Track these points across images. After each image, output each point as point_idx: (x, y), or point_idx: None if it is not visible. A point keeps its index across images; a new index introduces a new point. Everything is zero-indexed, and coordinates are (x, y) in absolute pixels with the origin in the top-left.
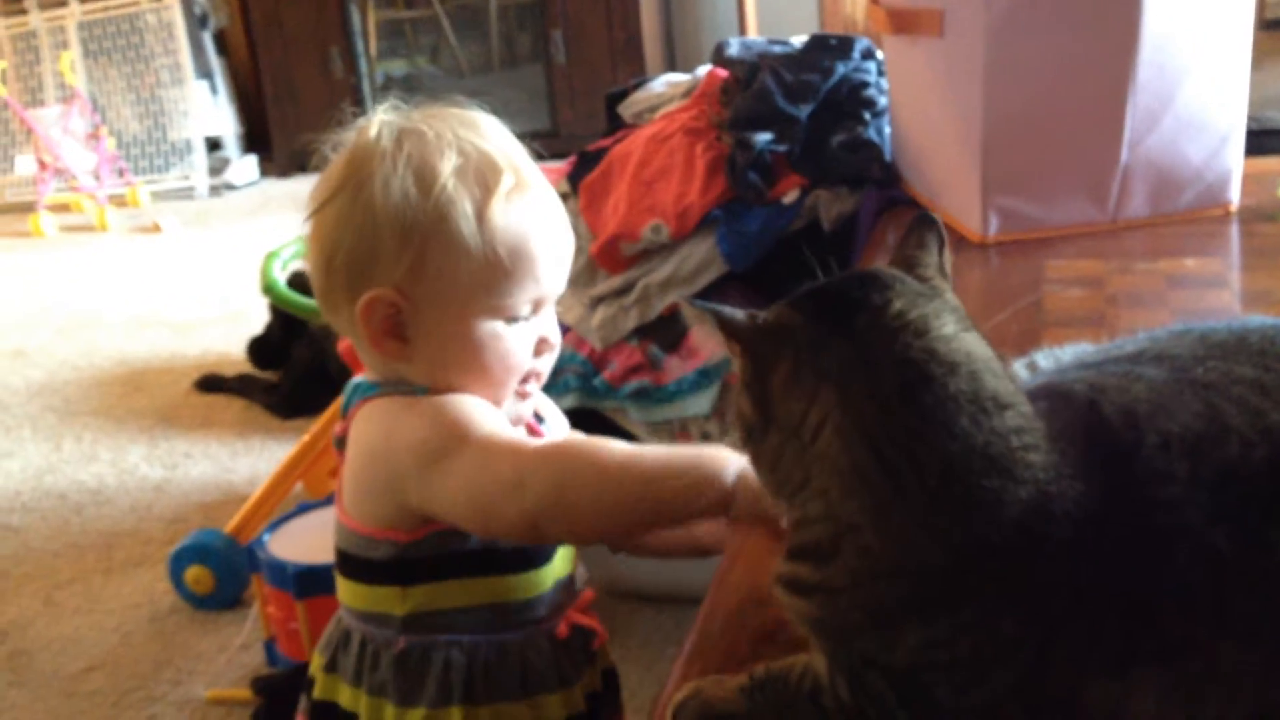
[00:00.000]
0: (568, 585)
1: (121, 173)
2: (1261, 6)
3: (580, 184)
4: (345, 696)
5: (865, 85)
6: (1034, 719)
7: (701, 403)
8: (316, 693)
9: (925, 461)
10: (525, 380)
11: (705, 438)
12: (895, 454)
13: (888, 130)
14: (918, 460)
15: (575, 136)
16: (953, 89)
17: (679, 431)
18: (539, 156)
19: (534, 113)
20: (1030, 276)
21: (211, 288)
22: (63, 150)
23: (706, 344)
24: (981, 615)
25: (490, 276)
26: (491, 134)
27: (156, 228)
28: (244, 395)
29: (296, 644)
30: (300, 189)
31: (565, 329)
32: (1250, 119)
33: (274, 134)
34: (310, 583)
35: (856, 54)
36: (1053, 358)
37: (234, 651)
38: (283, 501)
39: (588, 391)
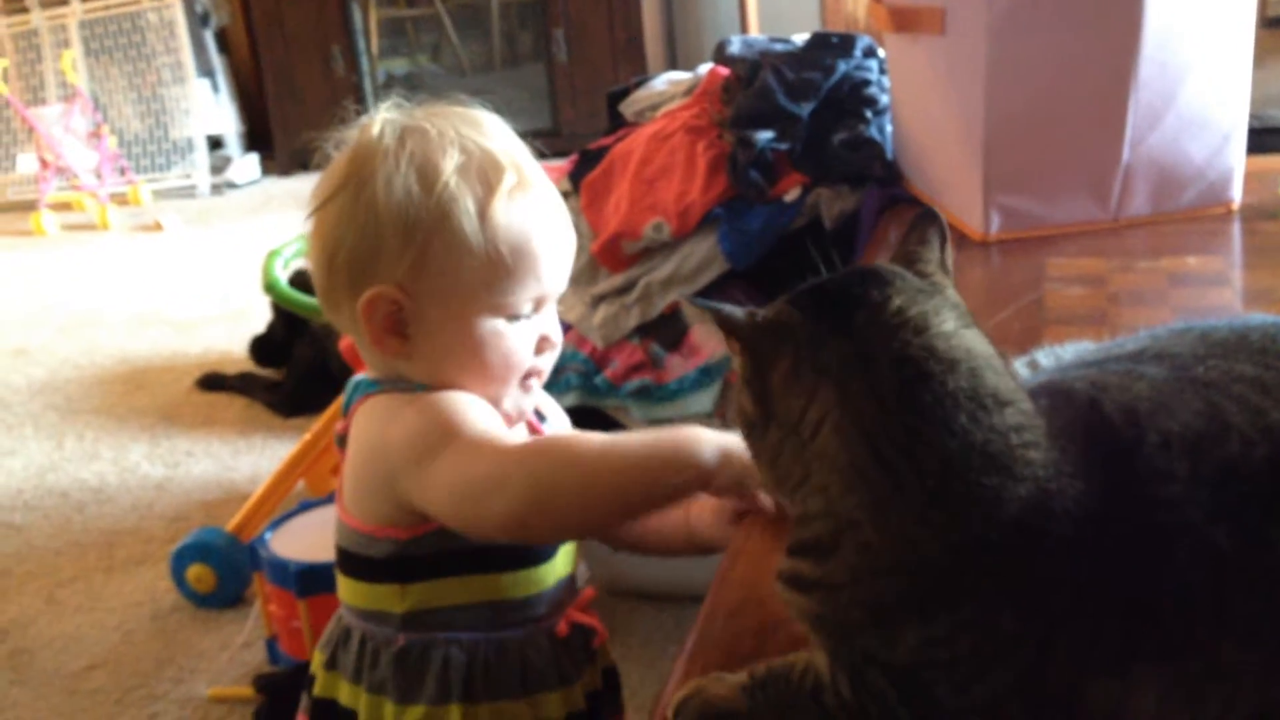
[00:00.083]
0: (569, 583)
1: (123, 171)
2: (1263, 4)
3: (582, 182)
4: (345, 694)
5: (867, 83)
6: (1035, 717)
7: (703, 401)
8: (316, 690)
9: (924, 459)
10: (526, 378)
11: None
12: (894, 451)
13: (889, 128)
14: (917, 457)
15: (577, 135)
16: (954, 87)
17: None
18: (540, 155)
19: (535, 111)
20: (1032, 274)
21: (213, 286)
22: (64, 149)
23: (708, 342)
24: (981, 613)
25: (492, 274)
26: (494, 132)
27: (158, 226)
28: (245, 394)
29: (298, 642)
30: (302, 187)
31: (567, 327)
32: (1252, 117)
33: (275, 132)
34: (312, 581)
35: (858, 52)
36: (1054, 356)
37: (236, 650)
38: (284, 500)
39: (589, 390)
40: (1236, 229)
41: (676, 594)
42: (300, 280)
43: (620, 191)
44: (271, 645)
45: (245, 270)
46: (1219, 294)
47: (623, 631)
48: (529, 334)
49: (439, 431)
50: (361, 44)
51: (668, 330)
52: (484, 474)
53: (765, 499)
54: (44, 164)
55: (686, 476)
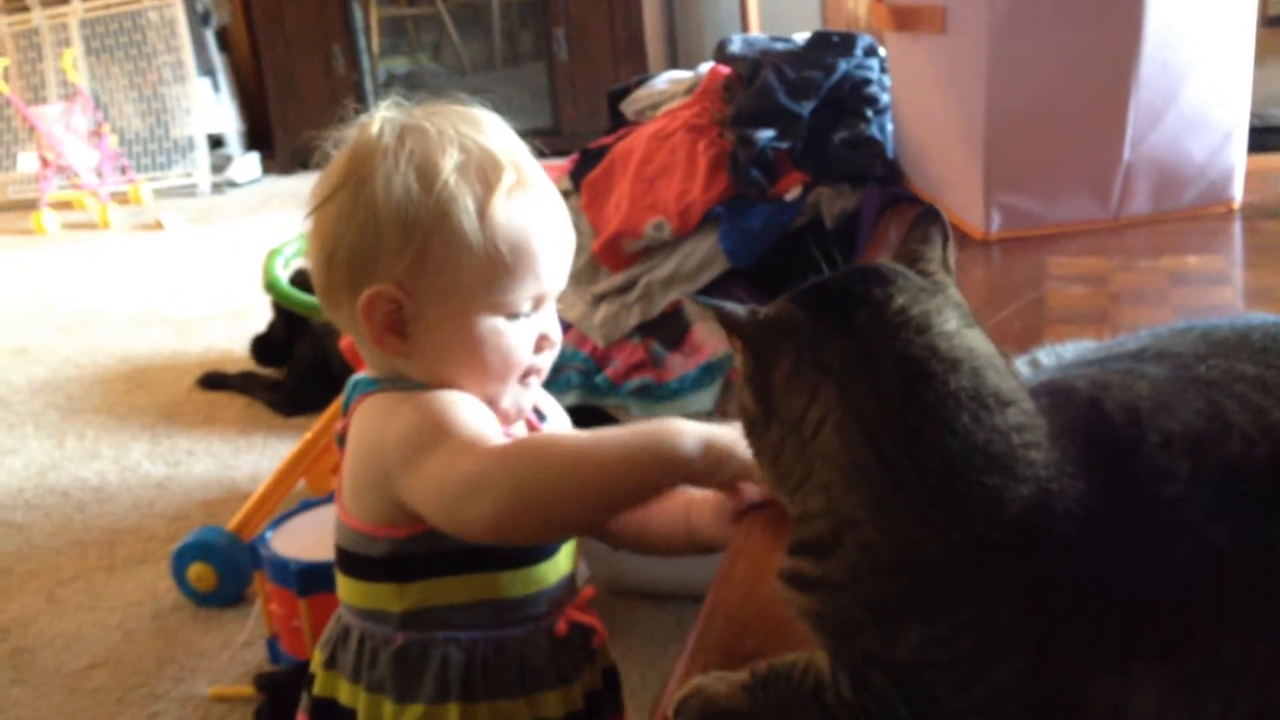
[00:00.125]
0: (568, 582)
1: (124, 170)
2: (1264, 3)
3: (582, 181)
4: (345, 693)
5: (868, 82)
6: (1036, 717)
7: (704, 400)
8: (316, 689)
9: (926, 458)
10: (525, 376)
11: None
12: (895, 451)
13: (890, 127)
14: (918, 457)
15: (577, 134)
16: (955, 86)
17: None
18: (539, 154)
19: (536, 110)
20: (1032, 273)
21: (214, 285)
22: (65, 147)
23: (709, 341)
24: (981, 613)
25: (491, 273)
26: (493, 131)
27: (159, 225)
28: (246, 393)
29: (299, 641)
30: (303, 186)
31: (567, 326)
32: (1253, 116)
33: (276, 131)
34: (313, 580)
35: (859, 51)
36: (1055, 355)
37: (236, 649)
38: (285, 499)
39: (590, 389)
40: (1237, 228)
41: (677, 593)
42: (301, 279)
43: (621, 190)
44: (272, 644)
45: (246, 269)
46: (1220, 293)
47: (623, 631)
48: (528, 332)
49: (431, 431)
50: (362, 43)
51: (669, 329)
52: (466, 475)
53: (750, 489)
54: (45, 163)
55: (668, 469)
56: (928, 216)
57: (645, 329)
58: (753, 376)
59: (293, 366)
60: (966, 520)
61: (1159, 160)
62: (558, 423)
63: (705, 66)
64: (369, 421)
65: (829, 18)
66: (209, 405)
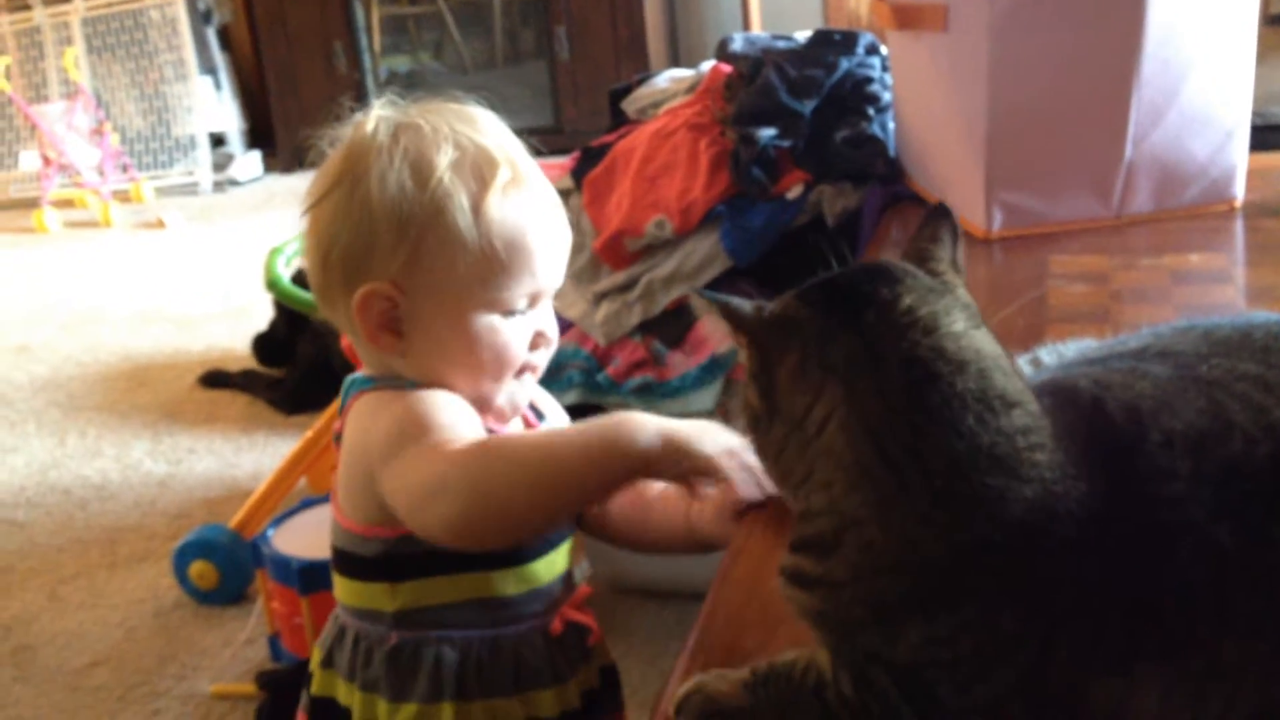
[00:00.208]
0: (565, 581)
1: (125, 168)
2: (1266, 1)
3: (584, 180)
4: (342, 692)
5: (869, 81)
6: (1037, 716)
7: (705, 398)
8: (314, 688)
9: (930, 459)
10: (520, 373)
11: None
12: (899, 451)
13: (892, 126)
14: (922, 458)
15: (579, 132)
16: (957, 84)
17: None
18: (537, 152)
19: (538, 109)
20: (1034, 272)
21: (215, 283)
22: (67, 146)
23: (713, 337)
24: (982, 613)
25: (486, 270)
26: (488, 128)
27: (160, 223)
28: (248, 391)
29: (301, 639)
30: (304, 185)
31: (569, 325)
32: (1255, 114)
33: (278, 130)
34: (314, 578)
35: (860, 49)
36: (1056, 353)
37: (238, 647)
38: (287, 497)
39: (591, 387)
40: (1239, 226)
41: (679, 591)
42: (302, 278)
43: (622, 189)
44: (274, 642)
45: (247, 267)
46: (1222, 291)
47: (625, 629)
48: (524, 330)
49: (407, 433)
50: (364, 41)
51: (670, 327)
52: (425, 479)
53: (710, 488)
54: (46, 161)
55: (624, 464)
56: (938, 215)
57: (646, 327)
58: (757, 373)
59: (294, 365)
60: (969, 521)
61: (1161, 158)
62: (556, 421)
63: (707, 65)
64: (359, 421)
65: (831, 16)
66: (210, 403)
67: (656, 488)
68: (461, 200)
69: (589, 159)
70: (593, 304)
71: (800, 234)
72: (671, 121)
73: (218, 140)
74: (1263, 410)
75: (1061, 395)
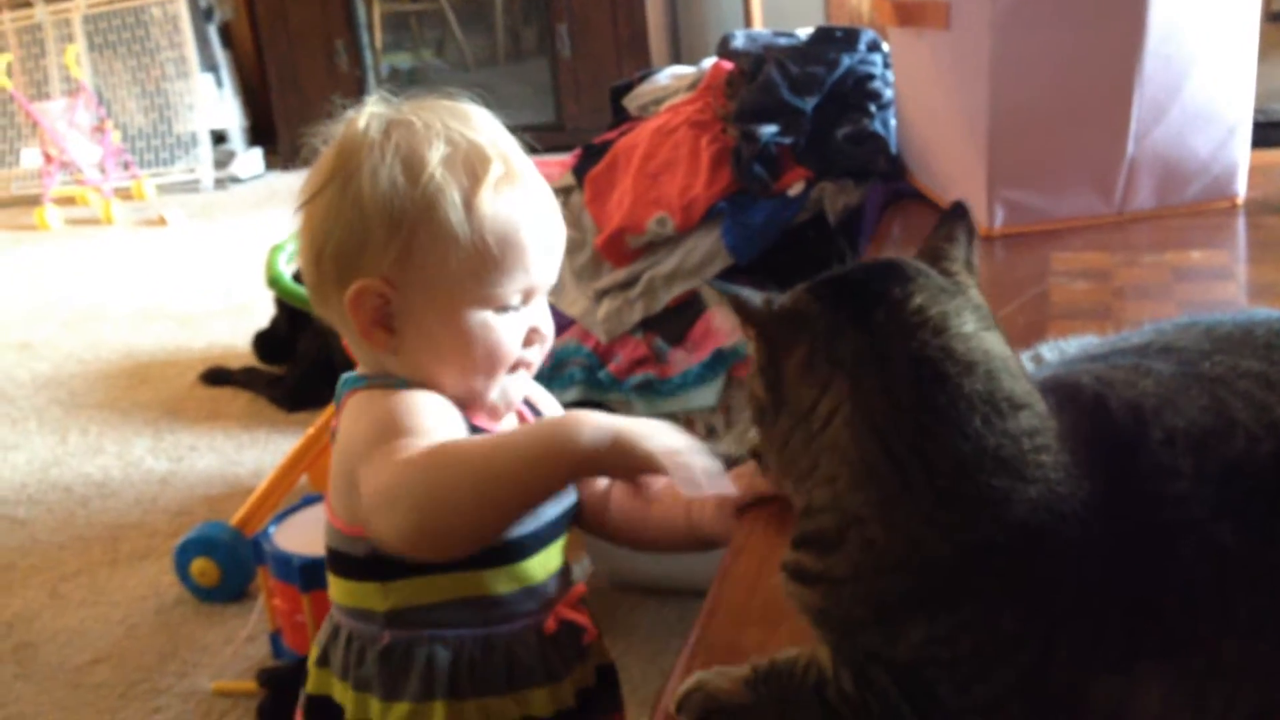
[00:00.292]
0: (560, 579)
1: (127, 166)
2: None
3: (585, 177)
4: (338, 690)
5: (871, 78)
6: (1038, 716)
7: (707, 395)
8: (309, 687)
9: (935, 459)
10: (514, 369)
11: (711, 431)
12: (904, 450)
13: (893, 123)
14: (927, 457)
15: (580, 130)
16: (958, 81)
17: (685, 425)
18: (531, 150)
19: (539, 106)
20: (1036, 269)
21: (217, 281)
22: (68, 143)
23: (715, 334)
24: (982, 614)
25: (479, 266)
26: (481, 125)
27: (162, 221)
28: (249, 388)
29: (302, 636)
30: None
31: (570, 322)
32: (1257, 111)
33: (279, 127)
34: (315, 575)
35: (862, 46)
36: (1058, 350)
37: (239, 644)
38: (288, 494)
39: (592, 384)
40: (1241, 223)
41: (679, 588)
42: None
43: (624, 186)
44: (275, 639)
45: (249, 265)
46: (1224, 288)
47: (626, 626)
48: (518, 326)
49: (380, 435)
50: (365, 38)
51: (671, 325)
52: (379, 487)
53: (654, 484)
54: (48, 158)
55: (570, 465)
56: (955, 214)
57: (648, 324)
58: (765, 365)
59: (295, 362)
60: (973, 522)
61: (1162, 155)
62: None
63: (708, 62)
64: (346, 421)
65: (832, 13)
66: (212, 401)
67: (657, 485)
68: (453, 196)
69: (590, 156)
70: (594, 301)
71: (802, 231)
72: (673, 118)
73: (219, 137)
74: (1265, 408)
75: (1064, 393)
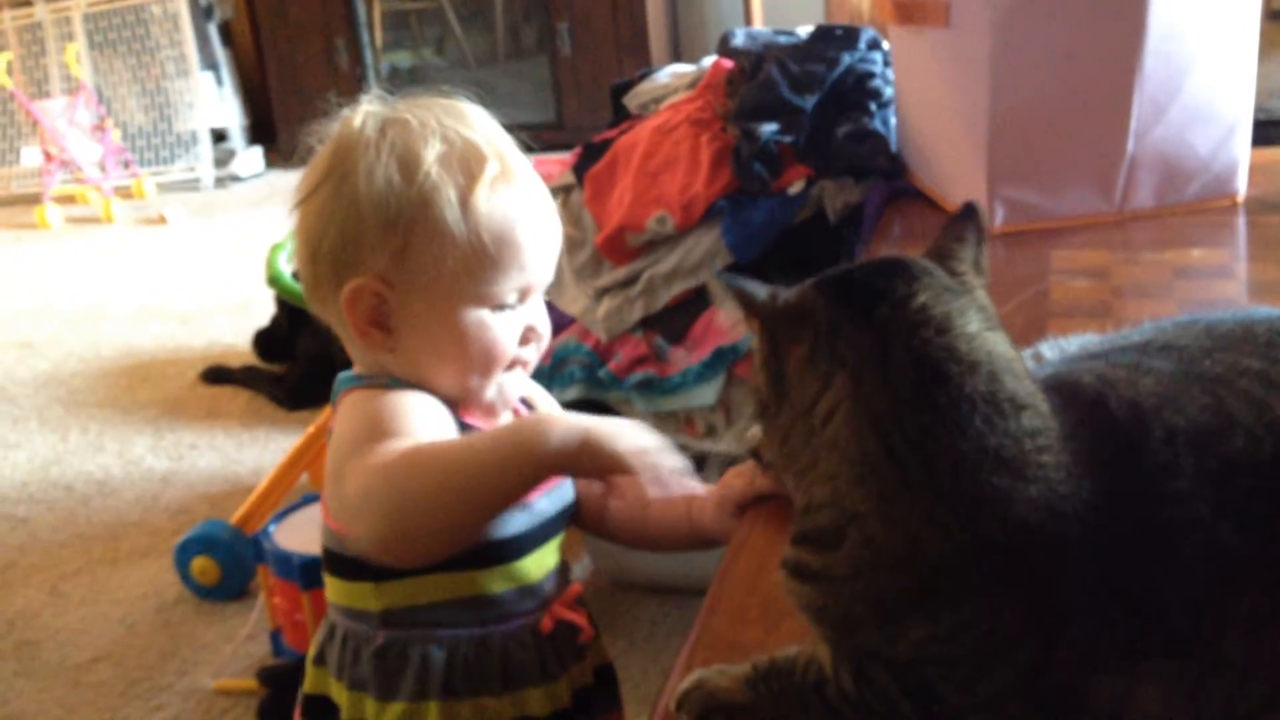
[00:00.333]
0: (556, 578)
1: (127, 164)
2: None
3: (585, 175)
4: (334, 690)
5: (871, 76)
6: (1039, 714)
7: (707, 394)
8: (307, 686)
9: (936, 458)
10: (510, 368)
11: (710, 429)
12: (905, 448)
13: (893, 121)
14: (928, 456)
15: (580, 128)
16: (959, 80)
17: (685, 423)
18: (528, 149)
19: (539, 104)
20: (1036, 267)
21: (217, 279)
22: (68, 142)
23: (712, 335)
24: (983, 612)
25: (475, 264)
26: (477, 123)
27: (162, 219)
28: (249, 387)
29: (302, 635)
30: None
31: (570, 320)
32: (1257, 109)
33: (279, 125)
34: (316, 573)
35: (862, 44)
36: (1058, 348)
37: (240, 642)
38: (288, 493)
39: (593, 383)
40: (1241, 222)
41: (680, 587)
42: None
43: (624, 184)
44: (275, 638)
45: (249, 263)
46: (1224, 287)
47: (626, 624)
48: (514, 324)
49: (365, 437)
50: (365, 37)
51: (671, 323)
52: (354, 490)
53: (628, 483)
54: (48, 157)
55: (539, 466)
56: (965, 215)
57: (648, 323)
58: (768, 360)
59: (295, 360)
60: (974, 521)
61: (1163, 154)
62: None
63: (708, 60)
64: (339, 420)
65: (832, 11)
66: (212, 399)
67: (626, 484)
68: (449, 194)
69: (590, 154)
70: (594, 299)
71: (802, 229)
72: (673, 117)
73: (219, 136)
74: (1265, 407)
75: (1064, 391)
